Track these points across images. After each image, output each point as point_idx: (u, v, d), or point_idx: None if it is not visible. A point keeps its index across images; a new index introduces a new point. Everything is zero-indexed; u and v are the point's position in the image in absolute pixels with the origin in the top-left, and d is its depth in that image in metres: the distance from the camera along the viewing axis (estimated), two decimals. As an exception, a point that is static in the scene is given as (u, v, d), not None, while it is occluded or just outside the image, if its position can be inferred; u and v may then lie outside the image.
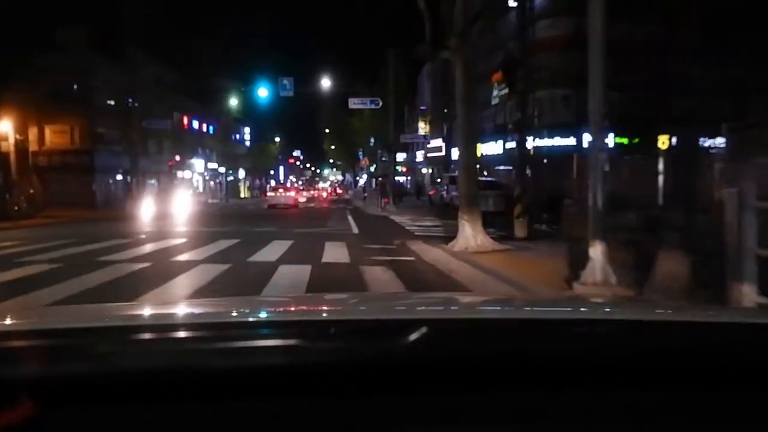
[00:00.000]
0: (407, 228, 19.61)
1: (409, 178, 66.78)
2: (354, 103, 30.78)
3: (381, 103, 30.65)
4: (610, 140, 27.59)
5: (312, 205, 43.66)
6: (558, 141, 26.51)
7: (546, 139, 26.75)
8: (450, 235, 16.75)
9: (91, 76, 40.56)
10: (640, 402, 1.08)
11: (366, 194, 44.29)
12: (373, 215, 28.55)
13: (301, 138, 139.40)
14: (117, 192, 43.04)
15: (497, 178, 29.22)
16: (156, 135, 50.02)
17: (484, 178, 28.43)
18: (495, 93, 22.57)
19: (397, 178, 44.84)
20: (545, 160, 27.21)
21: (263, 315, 1.69)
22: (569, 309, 1.90)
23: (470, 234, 11.72)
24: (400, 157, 49.63)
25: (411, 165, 64.77)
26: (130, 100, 44.98)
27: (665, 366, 1.11)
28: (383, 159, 55.62)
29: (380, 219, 25.16)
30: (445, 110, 47.66)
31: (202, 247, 13.00)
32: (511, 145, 30.16)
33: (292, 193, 41.27)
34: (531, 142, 28.58)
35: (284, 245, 13.12)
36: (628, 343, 1.17)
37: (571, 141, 26.21)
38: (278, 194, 40.03)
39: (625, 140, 26.42)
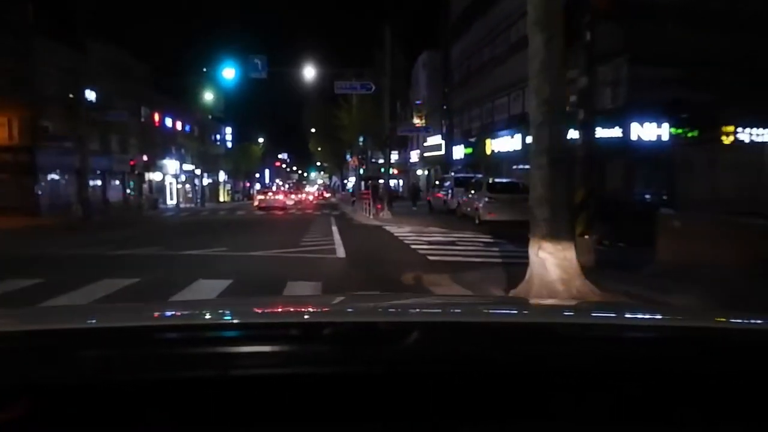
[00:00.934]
0: (413, 247, 14.00)
1: (401, 181, 61.21)
2: (341, 88, 25.04)
3: (373, 88, 24.97)
4: (665, 132, 22.29)
5: (293, 211, 38.05)
6: (599, 132, 20.86)
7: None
8: (483, 261, 11.29)
9: (38, 62, 34.62)
10: (631, 406, 1.07)
11: (354, 198, 38.77)
12: (363, 225, 22.87)
13: (288, 140, 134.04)
14: (67, 195, 37.15)
15: (517, 180, 23.59)
16: (120, 131, 44.20)
17: (500, 180, 22.93)
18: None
19: (381, 180, 39.60)
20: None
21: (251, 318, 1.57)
22: (570, 313, 1.88)
23: (557, 277, 6.12)
24: (393, 157, 43.96)
25: (404, 166, 59.18)
26: (87, 92, 39.09)
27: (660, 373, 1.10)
28: (373, 160, 50.36)
29: (373, 231, 19.50)
30: (444, 106, 42.02)
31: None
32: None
33: (281, 197, 43.99)
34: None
35: (209, 295, 7.34)
36: (623, 349, 1.17)
37: (616, 132, 20.69)
38: (268, 197, 42.33)
39: (681, 131, 20.91)
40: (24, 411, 0.98)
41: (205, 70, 24.36)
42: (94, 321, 1.50)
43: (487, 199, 21.20)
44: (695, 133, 21.16)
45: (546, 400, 1.07)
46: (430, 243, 15.07)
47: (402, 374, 1.07)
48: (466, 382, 1.07)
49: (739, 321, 1.52)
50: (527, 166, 22.92)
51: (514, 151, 26.09)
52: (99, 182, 42.86)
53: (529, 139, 21.26)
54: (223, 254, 12.36)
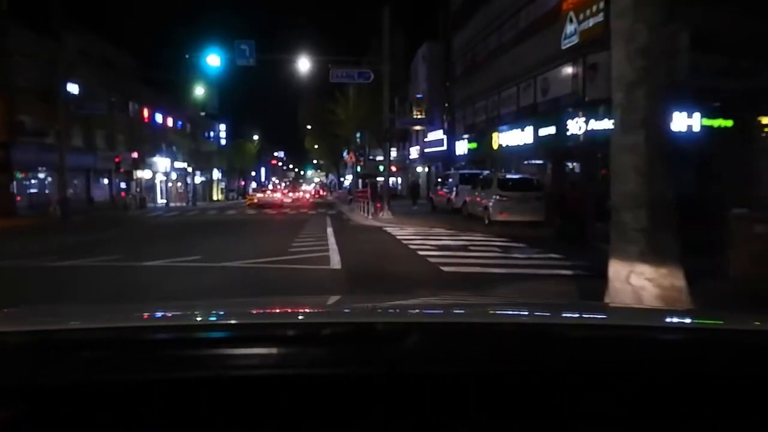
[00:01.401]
0: (421, 253, 11.92)
1: (399, 179, 59.05)
2: (337, 77, 22.87)
3: (371, 77, 22.83)
4: (696, 123, 20.24)
5: (287, 210, 35.91)
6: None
7: (605, 121, 19.12)
8: (510, 273, 9.24)
9: (12, 52, 32.36)
10: (628, 406, 1.06)
11: (352, 197, 36.68)
12: (361, 226, 20.78)
13: (284, 138, 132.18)
14: (47, 194, 34.95)
15: (530, 175, 21.55)
16: (105, 127, 42.07)
17: (512, 176, 20.85)
18: (572, 28, 14.88)
19: (380, 178, 37.63)
20: (594, 153, 19.59)
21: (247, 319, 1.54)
22: (575, 314, 1.79)
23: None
24: (391, 153, 41.83)
25: (402, 163, 57.02)
26: (68, 85, 36.95)
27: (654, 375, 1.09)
28: (371, 157, 48.25)
29: (373, 233, 17.40)
30: (446, 104, 39.79)
31: None
32: (549, 130, 22.58)
33: (279, 195, 48.16)
34: (578, 125, 21.14)
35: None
36: (630, 351, 1.15)
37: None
38: (266, 195, 45.56)
39: (715, 123, 18.82)
40: (19, 411, 0.96)
41: (187, 56, 22.04)
42: (90, 321, 1.46)
43: (498, 197, 19.23)
44: (729, 124, 19.09)
45: (545, 401, 1.06)
46: (439, 248, 13.00)
47: (401, 375, 1.05)
48: (466, 382, 1.06)
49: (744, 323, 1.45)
50: (539, 162, 20.68)
51: (525, 145, 23.95)
52: (85, 180, 40.92)
53: (544, 131, 19.03)
54: (192, 266, 10.17)
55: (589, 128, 19.27)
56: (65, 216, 28.39)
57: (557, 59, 21.53)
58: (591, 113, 19.39)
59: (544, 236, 16.82)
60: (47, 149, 33.30)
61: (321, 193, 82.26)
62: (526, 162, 24.36)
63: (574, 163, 20.82)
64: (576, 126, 19.53)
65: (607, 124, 19.14)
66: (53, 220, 27.75)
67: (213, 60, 22.46)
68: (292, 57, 24.01)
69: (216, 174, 76.92)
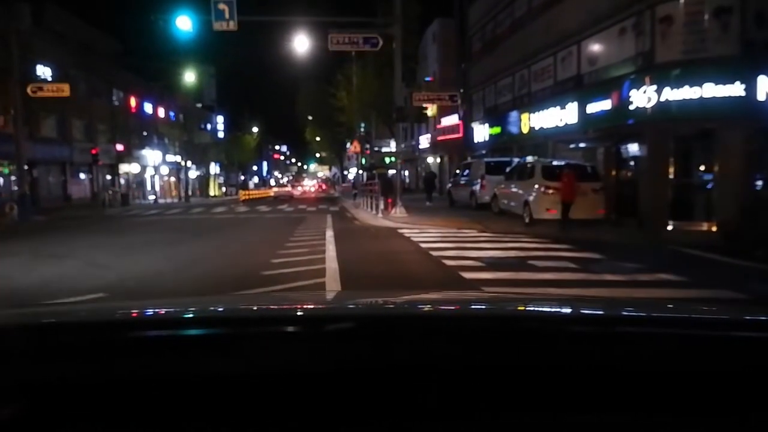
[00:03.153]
0: (468, 277, 7.73)
1: (406, 171, 54.78)
2: (337, 43, 18.55)
3: (380, 42, 18.55)
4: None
5: (282, 206, 31.75)
6: (708, 90, 14.39)
7: (684, 88, 14.75)
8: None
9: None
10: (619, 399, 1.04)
11: (356, 191, 32.53)
12: (371, 228, 16.47)
13: (286, 131, 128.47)
14: (13, 192, 30.79)
15: (582, 162, 17.30)
16: (81, 116, 37.93)
17: (560, 162, 16.56)
18: None
19: (391, 171, 33.53)
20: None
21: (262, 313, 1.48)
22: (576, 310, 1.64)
23: None
24: (394, 146, 37.42)
25: (411, 154, 52.67)
26: (41, 67, 33.04)
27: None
28: (376, 148, 44.13)
29: (387, 239, 13.12)
30: (461, 90, 35.26)
31: None
32: (602, 105, 18.16)
33: (288, 188, 56.67)
34: (646, 96, 16.81)
35: None
36: (617, 346, 1.11)
37: (735, 89, 14.19)
38: (281, 190, 52.58)
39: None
40: (17, 410, 0.94)
41: (153, 18, 17.89)
42: (84, 318, 1.42)
43: (542, 190, 15.11)
44: None
45: (554, 396, 1.03)
46: (487, 264, 8.77)
47: (403, 371, 1.03)
48: (472, 377, 1.04)
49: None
50: (586, 145, 15.97)
51: (566, 125, 19.59)
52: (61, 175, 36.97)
53: (594, 107, 13.87)
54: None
55: (661, 99, 14.89)
56: (23, 216, 24.19)
57: (612, 16, 17.18)
58: (662, 80, 15.00)
59: (618, 240, 12.61)
60: (9, 139, 28.91)
61: (323, 187, 78.24)
62: (571, 146, 19.96)
63: (636, 145, 16.48)
64: (643, 97, 15.17)
65: (686, 92, 14.77)
66: (8, 222, 23.56)
67: (183, 23, 18.13)
68: (282, 19, 19.72)
69: (214, 168, 72.84)
